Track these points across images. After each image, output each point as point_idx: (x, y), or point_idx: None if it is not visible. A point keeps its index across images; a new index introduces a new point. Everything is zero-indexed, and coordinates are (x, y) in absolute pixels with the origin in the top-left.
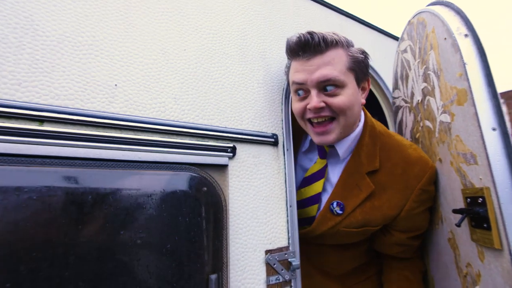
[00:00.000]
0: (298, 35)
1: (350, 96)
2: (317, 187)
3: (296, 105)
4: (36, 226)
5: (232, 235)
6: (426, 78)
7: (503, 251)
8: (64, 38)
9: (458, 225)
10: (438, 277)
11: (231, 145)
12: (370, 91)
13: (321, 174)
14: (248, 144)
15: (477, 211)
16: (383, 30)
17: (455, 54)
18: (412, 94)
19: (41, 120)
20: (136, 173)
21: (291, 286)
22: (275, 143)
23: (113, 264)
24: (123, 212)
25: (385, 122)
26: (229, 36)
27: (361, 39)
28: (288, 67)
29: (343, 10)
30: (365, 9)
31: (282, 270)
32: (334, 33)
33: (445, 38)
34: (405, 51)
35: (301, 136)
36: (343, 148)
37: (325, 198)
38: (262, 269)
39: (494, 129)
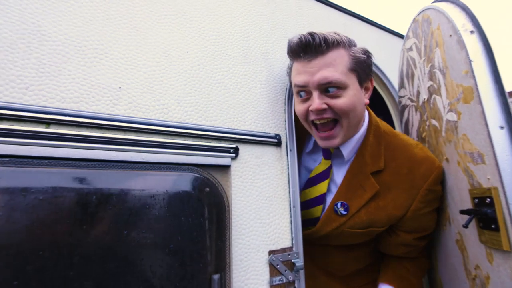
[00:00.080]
0: (299, 36)
1: (352, 97)
2: (321, 187)
3: (299, 107)
4: (43, 226)
5: (235, 236)
6: (432, 76)
7: None
8: (70, 42)
9: (466, 226)
10: (446, 279)
11: (233, 145)
12: (376, 90)
13: (326, 174)
14: (251, 145)
15: (485, 212)
16: (388, 28)
17: (461, 51)
18: (418, 93)
19: (48, 122)
20: (139, 174)
21: (294, 287)
22: (278, 144)
23: (116, 263)
24: (126, 212)
25: (391, 122)
26: (231, 37)
27: (365, 38)
28: (290, 68)
29: (346, 9)
30: (369, 8)
31: (285, 271)
32: (335, 33)
33: (451, 35)
34: (410, 49)
35: (305, 137)
36: (348, 149)
37: (329, 199)
38: (266, 270)
39: (501, 128)
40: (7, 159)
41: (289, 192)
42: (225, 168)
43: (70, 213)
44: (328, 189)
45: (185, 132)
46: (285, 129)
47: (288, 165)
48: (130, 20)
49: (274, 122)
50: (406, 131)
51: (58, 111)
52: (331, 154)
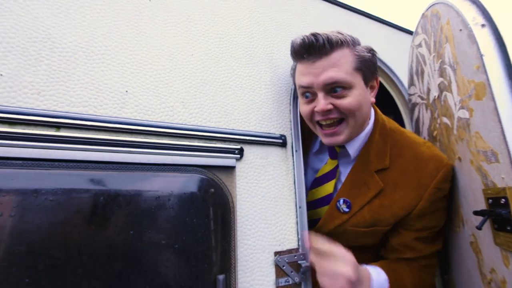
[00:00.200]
0: (302, 37)
1: (358, 96)
2: (328, 187)
3: (304, 108)
4: (53, 225)
5: (240, 236)
6: (442, 73)
7: None
8: (79, 49)
9: (479, 228)
10: (460, 282)
11: (238, 146)
12: (385, 88)
13: (333, 174)
14: (256, 146)
15: (500, 213)
16: (396, 25)
17: (472, 45)
18: (428, 90)
19: (58, 126)
20: (145, 175)
21: None
22: (283, 144)
23: (122, 263)
24: (132, 213)
25: (401, 121)
26: (236, 39)
27: (373, 35)
28: (293, 69)
29: (352, 7)
30: (376, 4)
31: (291, 272)
32: (339, 33)
33: (461, 30)
34: (419, 45)
35: (311, 137)
36: (354, 148)
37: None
38: (271, 271)
39: None
40: (20, 162)
41: (295, 192)
42: (230, 169)
43: (78, 214)
44: (335, 189)
45: (190, 134)
46: (291, 130)
47: (293, 165)
48: (135, 25)
49: (279, 123)
50: (417, 129)
51: (68, 115)
52: (337, 154)
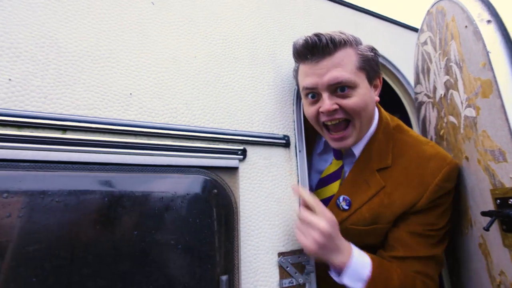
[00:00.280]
0: (304, 38)
1: (363, 96)
2: (333, 188)
3: (309, 109)
4: (59, 226)
5: (244, 237)
6: (448, 71)
7: None
8: (84, 53)
9: (487, 229)
10: (469, 285)
11: (241, 147)
12: (391, 87)
13: (338, 175)
14: (259, 146)
15: (508, 214)
16: (401, 23)
17: (477, 42)
18: (435, 88)
19: (64, 129)
20: (149, 176)
21: None
22: (286, 145)
23: (125, 263)
24: (136, 213)
25: (407, 120)
26: (238, 40)
27: (378, 34)
28: (296, 71)
29: (356, 6)
30: (380, 2)
31: (295, 273)
32: (341, 32)
33: (466, 26)
34: (425, 43)
35: (315, 138)
36: (359, 148)
37: None
38: (275, 272)
39: None
40: (28, 164)
41: None
42: (233, 170)
43: (83, 214)
44: None
45: (193, 135)
46: (294, 130)
47: (297, 166)
48: (139, 29)
49: (283, 123)
50: (424, 128)
51: (74, 118)
52: (342, 154)
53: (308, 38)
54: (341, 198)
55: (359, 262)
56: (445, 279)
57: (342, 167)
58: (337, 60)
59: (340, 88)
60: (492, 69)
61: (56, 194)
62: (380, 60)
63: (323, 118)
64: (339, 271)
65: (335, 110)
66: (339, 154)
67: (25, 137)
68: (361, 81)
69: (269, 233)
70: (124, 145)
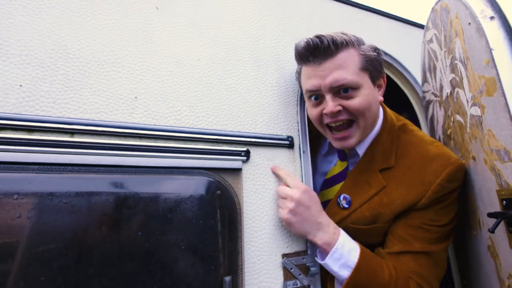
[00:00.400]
0: (306, 40)
1: (366, 96)
2: (338, 189)
3: (312, 111)
4: (66, 227)
5: (247, 238)
6: (453, 69)
7: None
8: (91, 58)
9: (492, 231)
10: None
11: (244, 149)
12: (398, 86)
13: (343, 176)
14: (263, 148)
15: None
16: (408, 20)
17: (481, 39)
18: (441, 87)
19: (72, 132)
20: (153, 178)
21: None
22: (290, 146)
23: (129, 264)
24: (140, 214)
25: (416, 119)
26: (242, 42)
27: (384, 32)
28: (298, 73)
29: (360, 4)
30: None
31: (300, 275)
32: (343, 33)
33: (469, 23)
34: (431, 41)
35: (319, 139)
36: (363, 148)
37: None
38: (279, 273)
39: None
40: (37, 166)
41: None
42: (236, 171)
43: (90, 215)
44: None
45: (197, 137)
46: (298, 131)
47: (301, 167)
48: (144, 34)
49: (286, 124)
50: (432, 128)
51: (81, 121)
52: (347, 155)
53: (310, 40)
54: (341, 197)
55: (346, 247)
56: (456, 282)
57: (347, 168)
58: (339, 62)
59: (343, 90)
60: (495, 66)
61: (64, 195)
62: (387, 58)
63: (326, 120)
64: (326, 255)
65: (338, 112)
66: (343, 155)
67: (35, 140)
68: (364, 81)
69: (273, 234)
70: (129, 147)
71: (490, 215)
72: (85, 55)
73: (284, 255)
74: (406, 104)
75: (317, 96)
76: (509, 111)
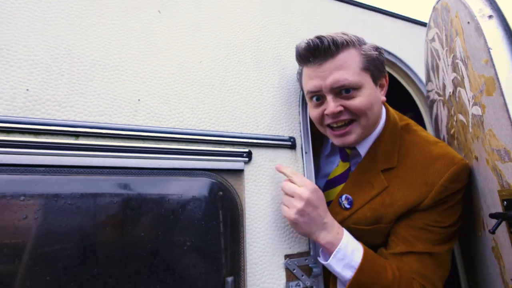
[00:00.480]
0: (306, 41)
1: (368, 96)
2: (340, 189)
3: (313, 112)
4: (72, 227)
5: (250, 239)
6: (455, 68)
7: None
8: (95, 62)
9: (492, 232)
10: None
11: (246, 150)
12: (403, 86)
13: (345, 177)
14: (265, 148)
15: None
16: (411, 18)
17: (479, 38)
18: (444, 86)
19: (77, 135)
20: (156, 179)
21: None
22: (292, 146)
23: (133, 264)
24: (143, 215)
25: (420, 118)
26: (243, 44)
27: (387, 31)
28: (299, 74)
29: (362, 3)
30: None
31: (302, 276)
32: (344, 33)
33: (468, 22)
34: (433, 39)
35: (322, 140)
36: (365, 148)
37: None
38: (282, 274)
39: None
40: (43, 168)
41: None
42: (238, 172)
43: (94, 216)
44: None
45: (199, 139)
46: (300, 132)
47: (304, 167)
48: (146, 37)
49: (288, 125)
50: (436, 127)
51: (86, 124)
52: (349, 156)
53: (310, 41)
54: (343, 197)
55: (349, 247)
56: (463, 283)
57: (349, 169)
58: (340, 62)
59: (344, 90)
60: (494, 66)
61: (69, 197)
62: (391, 58)
63: (328, 121)
64: (329, 255)
65: (340, 112)
66: (346, 156)
67: (41, 143)
68: (366, 81)
69: (275, 235)
70: (132, 149)
71: (492, 216)
72: (90, 59)
73: (287, 256)
74: (411, 104)
75: (319, 97)
76: (507, 110)
